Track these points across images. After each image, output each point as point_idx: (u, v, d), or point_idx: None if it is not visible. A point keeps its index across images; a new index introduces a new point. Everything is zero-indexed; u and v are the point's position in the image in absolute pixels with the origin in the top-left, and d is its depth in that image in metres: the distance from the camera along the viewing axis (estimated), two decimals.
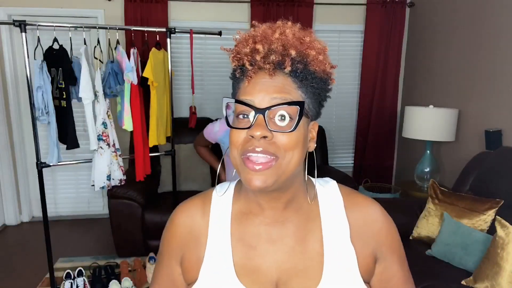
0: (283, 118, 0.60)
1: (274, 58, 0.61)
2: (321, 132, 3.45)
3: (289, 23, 0.65)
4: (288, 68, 0.60)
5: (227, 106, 0.64)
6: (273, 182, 0.60)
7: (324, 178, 0.75)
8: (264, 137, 0.59)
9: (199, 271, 0.68)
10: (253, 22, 0.66)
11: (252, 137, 0.59)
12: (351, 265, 0.67)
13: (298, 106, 0.59)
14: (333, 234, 0.68)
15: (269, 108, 0.59)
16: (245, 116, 0.61)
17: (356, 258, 0.67)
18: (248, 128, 0.60)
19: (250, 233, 0.68)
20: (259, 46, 0.61)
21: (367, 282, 0.70)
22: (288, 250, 0.67)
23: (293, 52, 0.61)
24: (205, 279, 0.67)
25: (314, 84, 0.63)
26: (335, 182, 0.74)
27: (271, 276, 0.66)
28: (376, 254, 0.70)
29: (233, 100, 0.62)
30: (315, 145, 0.67)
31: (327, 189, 0.72)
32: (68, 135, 2.36)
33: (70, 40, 2.31)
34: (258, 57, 0.61)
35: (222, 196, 0.72)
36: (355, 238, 0.68)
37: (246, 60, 0.62)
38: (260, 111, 0.59)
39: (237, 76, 0.65)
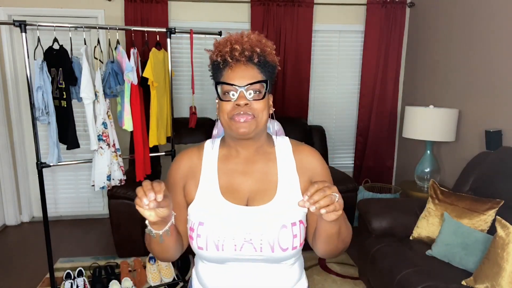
0: (255, 92, 0.92)
1: (246, 53, 0.92)
2: (321, 132, 3.46)
3: (249, 31, 0.98)
4: (256, 60, 0.93)
5: (216, 87, 0.96)
6: (252, 130, 0.93)
7: (280, 136, 1.09)
8: (246, 104, 0.91)
9: (196, 194, 0.99)
10: (227, 33, 0.99)
11: (238, 105, 0.91)
12: (295, 187, 0.99)
13: (264, 83, 0.93)
14: (285, 168, 1.01)
15: (247, 85, 0.91)
16: (229, 93, 0.93)
17: (299, 183, 0.99)
18: (235, 100, 0.92)
19: (230, 169, 1.01)
20: (236, 46, 0.92)
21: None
22: (255, 179, 0.99)
23: (258, 50, 0.93)
24: (200, 198, 0.99)
25: (270, 69, 0.97)
26: (287, 137, 1.08)
27: (244, 195, 0.98)
28: (312, 180, 1.00)
29: (224, 83, 0.93)
30: (273, 109, 1.01)
31: (282, 141, 1.06)
32: (68, 135, 2.36)
33: (70, 40, 2.31)
34: (236, 53, 0.92)
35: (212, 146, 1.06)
36: (299, 170, 1.01)
37: (227, 56, 0.93)
38: (241, 88, 0.91)
39: (221, 67, 0.95)
